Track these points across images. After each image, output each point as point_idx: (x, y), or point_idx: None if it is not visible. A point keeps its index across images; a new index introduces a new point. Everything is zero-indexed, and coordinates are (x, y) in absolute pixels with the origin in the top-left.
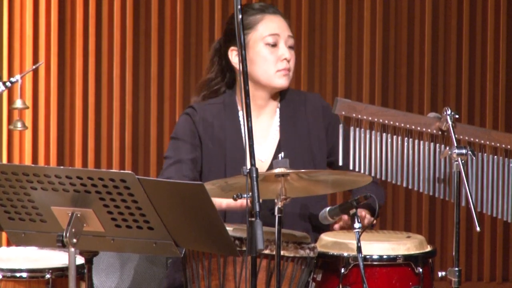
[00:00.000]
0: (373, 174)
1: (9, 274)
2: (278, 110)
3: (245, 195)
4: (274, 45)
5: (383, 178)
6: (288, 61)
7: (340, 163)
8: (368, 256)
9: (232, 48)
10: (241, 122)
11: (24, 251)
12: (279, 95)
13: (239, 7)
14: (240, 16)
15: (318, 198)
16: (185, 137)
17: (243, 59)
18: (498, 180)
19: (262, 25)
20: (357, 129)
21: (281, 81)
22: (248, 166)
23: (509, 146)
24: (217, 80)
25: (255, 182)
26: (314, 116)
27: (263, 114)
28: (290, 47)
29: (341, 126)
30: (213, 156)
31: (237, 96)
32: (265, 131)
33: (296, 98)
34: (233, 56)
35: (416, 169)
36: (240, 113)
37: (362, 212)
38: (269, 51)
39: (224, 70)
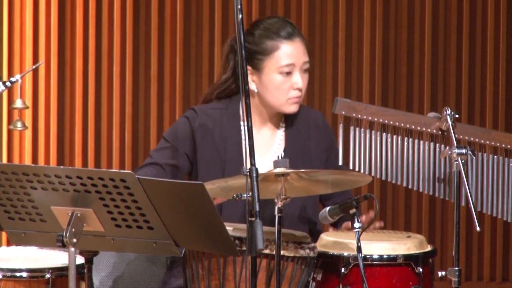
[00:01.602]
0: (373, 174)
1: (9, 274)
2: (282, 124)
3: (245, 195)
4: (289, 73)
5: (383, 178)
6: (301, 90)
7: (340, 163)
8: (368, 256)
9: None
10: (242, 132)
11: (24, 251)
12: None
13: (239, 7)
14: (240, 16)
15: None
16: (174, 142)
17: (243, 59)
18: (498, 180)
19: (278, 54)
20: (357, 129)
21: (291, 108)
22: (248, 166)
23: (509, 146)
24: (232, 80)
25: (255, 182)
26: (315, 134)
27: (266, 127)
28: (305, 71)
29: (340, 126)
30: (211, 164)
31: (241, 104)
32: (267, 144)
33: (300, 115)
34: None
35: (416, 169)
36: (242, 123)
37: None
38: (283, 80)
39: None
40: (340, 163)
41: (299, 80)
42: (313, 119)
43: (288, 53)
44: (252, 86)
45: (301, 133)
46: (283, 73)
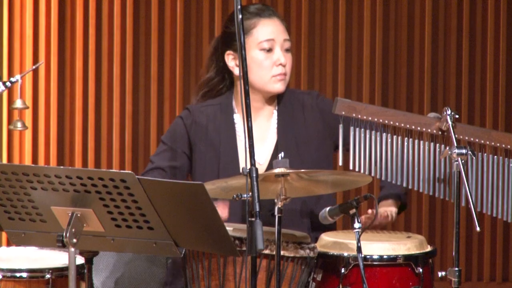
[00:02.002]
0: (373, 174)
1: (9, 274)
2: (275, 112)
3: (245, 195)
4: (270, 50)
5: (383, 178)
6: (284, 66)
7: (340, 163)
8: (368, 256)
9: (228, 52)
10: (236, 125)
11: (24, 251)
12: (276, 97)
13: (239, 7)
14: (240, 16)
15: (322, 198)
16: (172, 143)
17: (243, 59)
18: (498, 180)
19: (257, 30)
20: (357, 129)
21: (277, 86)
22: (248, 166)
23: (509, 146)
24: (217, 79)
25: (255, 182)
26: (312, 117)
27: (260, 116)
28: (286, 50)
29: (341, 126)
30: (207, 159)
31: (234, 98)
32: (262, 133)
33: (294, 99)
34: (229, 60)
35: (416, 169)
36: (235, 116)
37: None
38: (264, 57)
39: (223, 70)
40: (340, 163)
41: (281, 55)
42: (307, 101)
43: (267, 29)
44: (236, 71)
45: (295, 117)
46: (264, 49)
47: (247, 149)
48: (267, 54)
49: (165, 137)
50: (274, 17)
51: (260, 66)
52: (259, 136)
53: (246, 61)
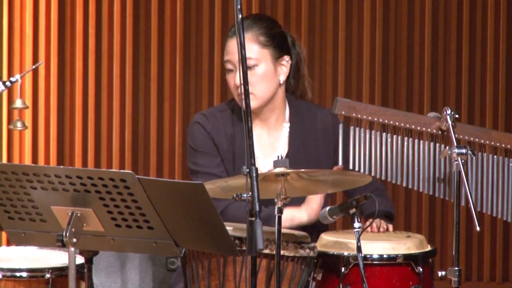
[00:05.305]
0: (373, 174)
1: (9, 274)
2: (286, 124)
3: (245, 195)
4: (231, 70)
5: (383, 178)
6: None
7: (340, 163)
8: (368, 256)
9: None
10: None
11: (24, 251)
12: (287, 108)
13: (239, 7)
14: (240, 16)
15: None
16: (209, 150)
17: (243, 59)
18: (498, 180)
19: (224, 52)
20: (357, 129)
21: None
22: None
23: (509, 146)
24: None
25: (255, 182)
26: (324, 132)
27: (270, 127)
28: (250, 68)
29: (341, 126)
30: (225, 162)
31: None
32: (273, 144)
33: (306, 112)
34: None
35: (416, 169)
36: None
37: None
38: (228, 77)
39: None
40: (340, 163)
41: (237, 77)
42: (322, 117)
43: (226, 50)
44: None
45: (306, 134)
46: (227, 70)
47: (247, 149)
48: (231, 74)
49: (196, 145)
50: (234, 35)
51: (230, 87)
52: (270, 145)
53: (246, 60)
